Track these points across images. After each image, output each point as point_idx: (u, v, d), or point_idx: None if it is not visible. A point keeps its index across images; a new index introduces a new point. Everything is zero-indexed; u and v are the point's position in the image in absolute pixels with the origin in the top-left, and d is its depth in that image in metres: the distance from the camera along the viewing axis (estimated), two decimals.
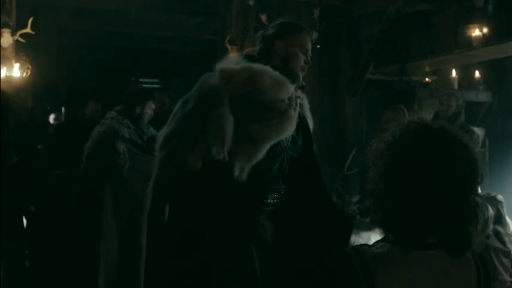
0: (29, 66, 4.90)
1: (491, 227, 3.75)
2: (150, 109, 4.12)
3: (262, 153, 2.19)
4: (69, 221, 4.34)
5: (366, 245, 1.47)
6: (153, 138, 4.15)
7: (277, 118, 2.22)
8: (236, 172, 2.15)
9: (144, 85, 11.46)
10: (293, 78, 2.39)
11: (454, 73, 6.73)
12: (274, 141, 2.22)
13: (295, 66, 2.43)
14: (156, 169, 2.25)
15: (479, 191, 4.95)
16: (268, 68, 2.29)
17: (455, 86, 6.78)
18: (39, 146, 2.98)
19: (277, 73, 2.30)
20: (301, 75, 2.47)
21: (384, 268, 1.38)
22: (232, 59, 2.37)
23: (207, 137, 2.14)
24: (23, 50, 5.08)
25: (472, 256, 1.47)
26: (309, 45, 2.48)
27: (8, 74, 4.75)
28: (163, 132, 2.28)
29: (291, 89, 2.30)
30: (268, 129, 2.20)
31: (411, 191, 1.37)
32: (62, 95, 8.93)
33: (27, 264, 4.64)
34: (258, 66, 2.28)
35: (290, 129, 2.27)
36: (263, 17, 6.19)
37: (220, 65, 2.26)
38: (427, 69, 6.31)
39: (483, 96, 6.95)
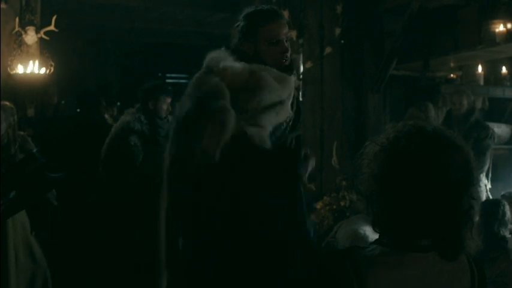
0: (52, 63, 5.01)
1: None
2: (165, 104, 4.19)
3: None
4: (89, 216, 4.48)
5: (358, 246, 1.48)
6: None
7: (278, 108, 2.29)
8: (256, 140, 2.20)
9: (171, 80, 11.61)
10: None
11: (480, 69, 6.62)
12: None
13: (270, 60, 2.38)
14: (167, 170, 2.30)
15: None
16: (266, 67, 2.32)
17: (481, 82, 6.68)
18: (34, 150, 3.05)
19: (275, 71, 2.33)
20: (282, 63, 2.41)
21: (375, 270, 1.38)
22: (220, 54, 2.35)
23: (204, 132, 2.17)
24: (50, 45, 5.19)
25: (467, 259, 1.47)
26: (279, 33, 2.38)
27: (32, 71, 4.86)
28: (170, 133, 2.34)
29: (291, 83, 2.36)
30: (271, 118, 2.27)
31: (404, 193, 1.38)
32: (89, 90, 9.09)
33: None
34: (256, 66, 2.30)
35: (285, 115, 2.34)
36: (285, 13, 6.17)
37: (220, 64, 2.28)
38: (452, 65, 6.22)
39: (510, 93, 6.81)
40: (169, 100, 4.26)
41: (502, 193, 4.30)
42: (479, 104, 6.24)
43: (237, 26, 2.43)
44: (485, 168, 5.12)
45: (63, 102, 8.03)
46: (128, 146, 4.06)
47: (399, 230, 1.41)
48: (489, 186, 5.16)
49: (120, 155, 4.08)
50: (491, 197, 4.96)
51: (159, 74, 11.13)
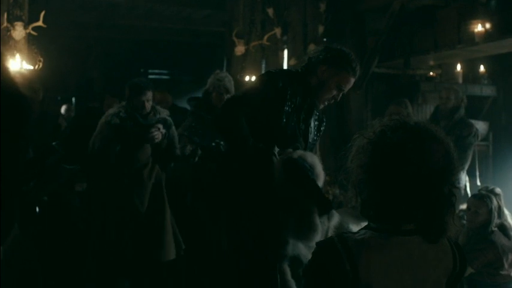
0: (41, 59, 5.02)
1: (498, 221, 3.82)
2: (146, 100, 4.21)
3: None
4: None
5: (349, 232, 1.59)
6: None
7: None
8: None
9: (153, 76, 11.63)
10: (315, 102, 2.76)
11: (458, 67, 6.78)
12: None
13: (323, 96, 2.77)
14: None
15: (478, 183, 5.01)
16: None
17: (460, 80, 6.83)
18: (53, 143, 3.11)
19: None
20: (322, 105, 2.82)
21: (365, 252, 1.49)
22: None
23: None
24: (35, 42, 5.20)
25: (449, 242, 1.58)
26: (347, 85, 2.73)
27: (20, 67, 4.88)
28: None
29: None
30: None
31: (389, 182, 1.49)
32: (71, 86, 9.09)
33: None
34: None
35: None
36: (270, 11, 6.27)
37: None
38: (431, 63, 6.37)
39: (487, 91, 6.99)
40: (149, 97, 4.24)
41: (479, 188, 4.41)
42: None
43: (322, 49, 2.81)
44: (466, 165, 5.21)
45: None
46: (104, 139, 4.16)
47: (386, 215, 1.52)
48: (468, 184, 5.27)
49: (98, 147, 4.18)
50: (470, 194, 5.08)
51: (141, 70, 11.14)
